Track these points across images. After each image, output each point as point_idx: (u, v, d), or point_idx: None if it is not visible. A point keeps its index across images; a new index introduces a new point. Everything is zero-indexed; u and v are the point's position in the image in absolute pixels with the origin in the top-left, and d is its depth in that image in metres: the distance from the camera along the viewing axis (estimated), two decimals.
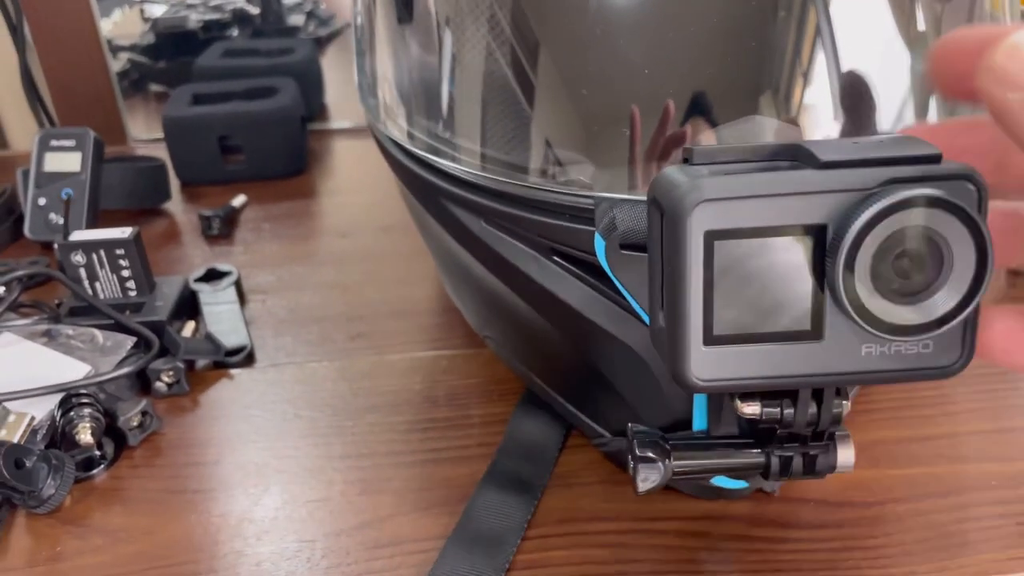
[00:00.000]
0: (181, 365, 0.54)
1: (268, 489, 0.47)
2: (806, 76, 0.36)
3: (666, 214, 0.25)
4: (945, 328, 0.24)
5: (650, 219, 0.27)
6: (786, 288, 0.25)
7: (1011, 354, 0.25)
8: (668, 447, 0.33)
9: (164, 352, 0.56)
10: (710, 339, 0.25)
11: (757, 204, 0.24)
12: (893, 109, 0.38)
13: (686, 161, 0.26)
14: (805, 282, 0.24)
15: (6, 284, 0.62)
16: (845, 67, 0.36)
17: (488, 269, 0.43)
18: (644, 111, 0.36)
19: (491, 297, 0.46)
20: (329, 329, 0.61)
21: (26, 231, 0.73)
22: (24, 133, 1.01)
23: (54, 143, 0.73)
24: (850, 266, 0.23)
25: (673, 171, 0.25)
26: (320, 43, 1.04)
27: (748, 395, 0.29)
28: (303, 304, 0.64)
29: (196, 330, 0.61)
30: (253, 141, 0.83)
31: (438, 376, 0.55)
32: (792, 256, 0.24)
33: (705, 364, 0.26)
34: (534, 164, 0.38)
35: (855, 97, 0.37)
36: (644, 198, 0.34)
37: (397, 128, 0.46)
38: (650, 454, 0.33)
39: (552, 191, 0.37)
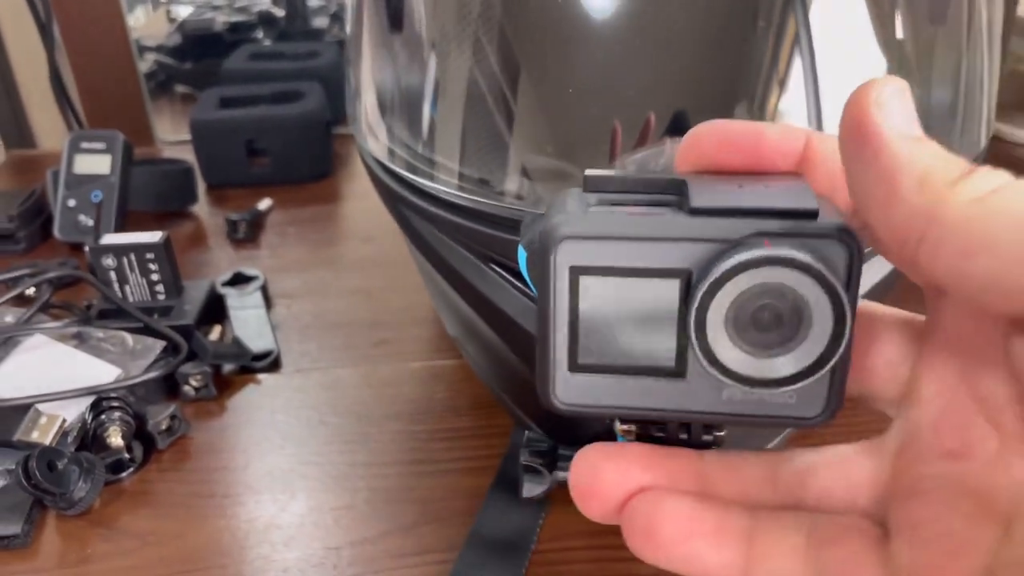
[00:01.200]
0: (209, 369, 0.55)
1: (295, 495, 0.48)
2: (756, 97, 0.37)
3: (537, 245, 0.25)
4: (797, 387, 0.24)
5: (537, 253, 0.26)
6: (652, 327, 0.25)
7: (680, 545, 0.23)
8: (555, 457, 0.33)
9: (192, 356, 0.57)
10: (575, 366, 0.26)
11: (623, 245, 0.24)
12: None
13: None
14: (671, 322, 0.25)
15: (37, 285, 0.63)
16: (820, 81, 0.37)
17: (441, 276, 0.44)
18: (580, 131, 0.38)
19: (454, 307, 0.47)
20: (353, 335, 0.62)
21: (55, 232, 0.74)
22: (51, 132, 1.02)
23: (84, 145, 0.74)
24: (702, 315, 0.23)
25: (567, 195, 0.26)
26: (342, 46, 1.05)
27: (627, 419, 0.29)
28: (328, 309, 0.65)
29: (222, 334, 0.61)
30: (279, 145, 0.84)
31: (460, 385, 0.56)
32: (659, 297, 0.24)
33: (569, 389, 0.26)
34: (473, 175, 0.40)
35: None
36: None
37: (365, 133, 0.48)
38: (536, 464, 0.33)
39: (487, 203, 0.39)
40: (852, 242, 0.23)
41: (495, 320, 0.42)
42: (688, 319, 0.24)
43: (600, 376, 0.26)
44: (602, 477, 0.23)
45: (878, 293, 0.41)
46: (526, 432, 0.35)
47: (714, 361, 0.24)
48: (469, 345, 0.52)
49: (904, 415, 0.23)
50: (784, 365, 0.24)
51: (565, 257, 0.25)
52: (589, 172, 0.26)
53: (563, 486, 0.33)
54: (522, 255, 0.36)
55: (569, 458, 0.34)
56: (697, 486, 0.24)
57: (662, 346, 0.25)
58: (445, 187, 0.41)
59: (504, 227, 0.39)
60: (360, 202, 0.83)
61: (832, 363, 0.24)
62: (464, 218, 0.40)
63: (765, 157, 0.23)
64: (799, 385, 0.24)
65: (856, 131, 0.21)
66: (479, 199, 0.39)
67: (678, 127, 0.37)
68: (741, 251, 0.23)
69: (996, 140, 0.85)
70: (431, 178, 0.42)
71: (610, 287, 0.25)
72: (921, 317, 0.24)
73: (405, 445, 0.51)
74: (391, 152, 0.45)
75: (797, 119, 0.38)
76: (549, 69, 0.39)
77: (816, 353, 0.24)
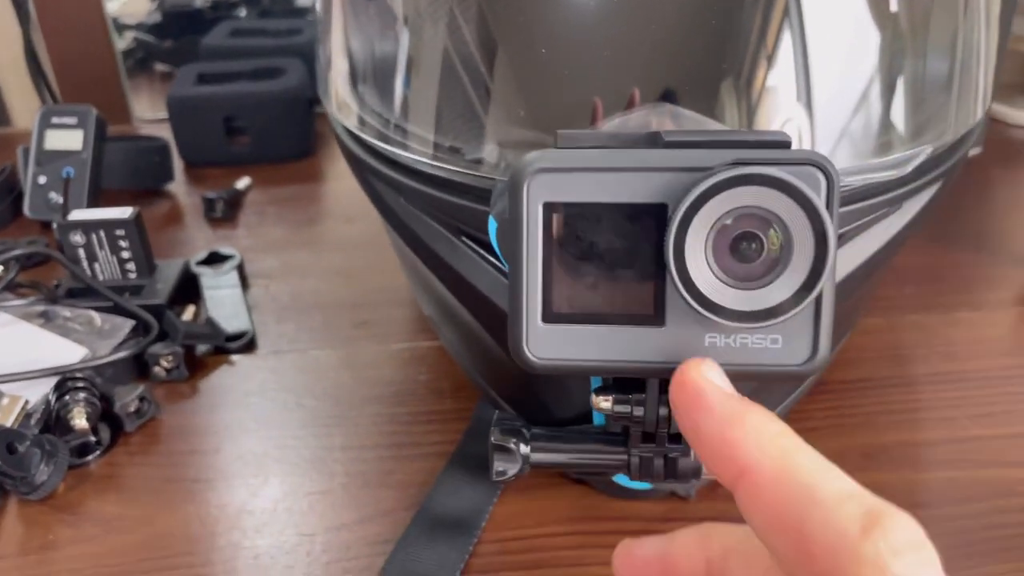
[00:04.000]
0: (180, 350, 0.53)
1: (268, 480, 0.46)
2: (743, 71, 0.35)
3: (508, 184, 0.24)
4: (781, 319, 0.23)
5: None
6: (628, 268, 0.24)
7: None
8: (528, 437, 0.32)
9: (163, 336, 0.54)
10: (549, 316, 0.25)
11: (597, 178, 0.24)
12: (854, 97, 0.37)
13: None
14: (647, 263, 0.24)
15: (3, 263, 0.60)
16: (810, 54, 0.36)
17: (412, 251, 0.42)
18: (555, 99, 0.36)
19: (427, 284, 0.45)
20: (333, 316, 0.59)
21: (25, 210, 0.71)
22: (27, 110, 0.99)
23: (55, 120, 0.72)
24: (680, 243, 0.22)
25: (535, 152, 0.25)
26: None
27: (603, 389, 0.28)
28: (307, 290, 0.63)
29: (196, 314, 0.59)
30: (259, 123, 0.82)
31: (443, 367, 0.53)
32: (633, 235, 0.24)
33: (543, 342, 0.25)
34: (445, 143, 0.38)
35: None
36: None
37: (334, 102, 0.46)
38: (508, 444, 0.32)
39: (457, 171, 0.37)
40: (829, 168, 0.23)
41: (467, 296, 0.40)
42: (666, 250, 0.22)
43: (575, 327, 0.25)
44: None
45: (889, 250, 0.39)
46: (496, 410, 0.34)
47: (694, 292, 0.23)
48: (443, 324, 0.50)
49: None
50: (767, 295, 0.23)
51: (538, 192, 0.24)
52: (561, 130, 0.25)
53: (535, 468, 0.32)
54: (492, 225, 0.34)
55: (541, 437, 0.32)
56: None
57: (639, 289, 0.24)
58: (415, 155, 0.39)
59: (475, 197, 0.37)
60: (342, 182, 0.81)
61: (816, 291, 0.23)
62: (434, 188, 0.38)
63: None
64: (782, 319, 0.23)
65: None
66: (449, 167, 0.38)
67: (663, 100, 0.35)
68: (718, 174, 0.22)
69: (993, 121, 0.83)
70: (401, 147, 0.40)
71: (584, 225, 0.24)
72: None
73: (385, 428, 0.49)
74: (361, 121, 0.43)
75: (785, 94, 0.36)
76: (525, 35, 0.37)
77: (799, 280, 0.23)
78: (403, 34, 0.40)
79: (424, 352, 0.55)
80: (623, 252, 0.24)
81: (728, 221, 0.23)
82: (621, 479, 0.37)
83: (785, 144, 0.23)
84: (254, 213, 0.75)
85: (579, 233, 0.24)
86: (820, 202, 0.22)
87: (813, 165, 0.23)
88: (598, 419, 0.36)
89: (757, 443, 0.19)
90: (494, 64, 0.37)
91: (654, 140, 0.24)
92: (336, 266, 0.66)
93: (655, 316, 0.25)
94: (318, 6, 0.49)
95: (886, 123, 0.37)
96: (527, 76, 0.37)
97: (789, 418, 0.46)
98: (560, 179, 0.24)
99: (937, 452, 0.46)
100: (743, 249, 0.23)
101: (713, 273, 0.23)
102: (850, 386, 0.50)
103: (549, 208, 0.24)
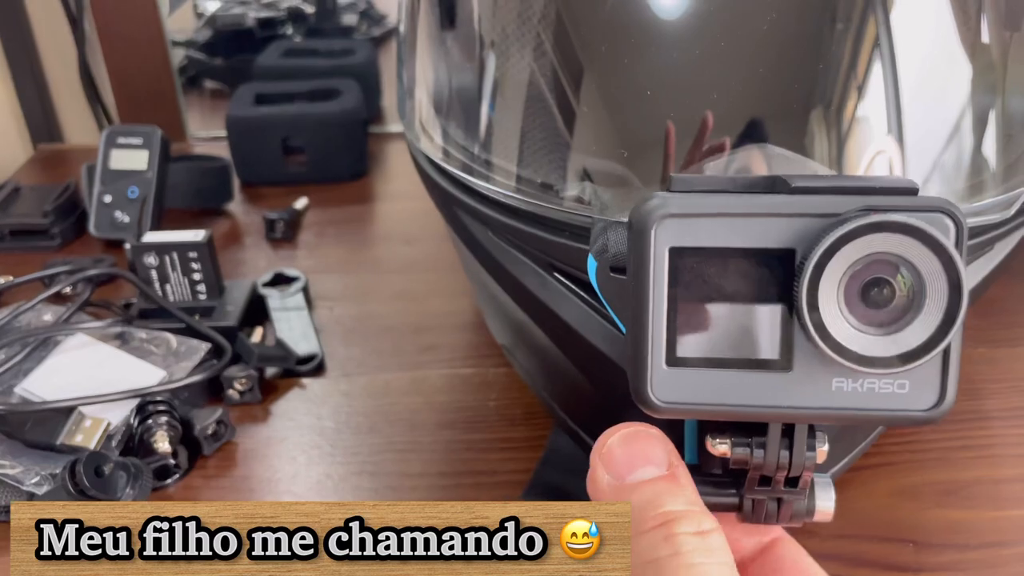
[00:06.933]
0: (255, 373, 0.53)
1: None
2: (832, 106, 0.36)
3: (633, 229, 0.25)
4: (913, 365, 0.23)
5: (628, 242, 0.26)
6: (755, 314, 0.24)
7: None
8: None
9: (236, 359, 0.55)
10: (673, 360, 0.25)
11: (725, 224, 0.24)
12: (945, 133, 0.37)
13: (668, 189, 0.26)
14: (775, 309, 0.24)
15: (75, 284, 0.61)
16: (902, 89, 0.36)
17: (496, 281, 0.43)
18: (651, 138, 0.36)
19: (505, 312, 0.45)
20: (399, 340, 0.60)
21: (91, 229, 0.72)
22: (80, 127, 1.00)
23: (121, 140, 0.73)
24: (814, 287, 0.23)
25: (652, 195, 0.25)
26: (375, 44, 1.03)
27: (719, 432, 0.27)
28: (371, 313, 0.63)
29: (264, 336, 0.60)
30: (316, 143, 0.83)
31: (513, 393, 0.54)
32: (761, 280, 0.24)
33: (667, 385, 0.25)
34: (537, 179, 0.38)
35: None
36: None
37: (416, 131, 0.46)
38: None
39: (552, 208, 0.37)
40: (958, 215, 0.23)
41: (554, 329, 0.40)
42: (797, 295, 0.23)
43: (699, 371, 0.25)
44: None
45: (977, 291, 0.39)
46: (570, 438, 0.34)
47: (827, 338, 0.23)
48: (519, 352, 0.50)
49: None
50: (900, 340, 0.23)
51: (665, 237, 0.24)
52: (675, 174, 0.25)
53: None
54: (592, 264, 0.34)
55: None
56: None
57: (766, 335, 0.24)
58: (505, 190, 0.39)
59: (569, 234, 0.37)
60: (398, 203, 0.82)
61: (948, 338, 0.23)
62: (525, 223, 0.38)
63: None
64: (914, 365, 0.23)
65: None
66: (542, 203, 0.38)
67: (752, 132, 0.35)
68: (851, 221, 0.22)
69: None
70: (489, 180, 0.40)
71: (711, 271, 0.24)
72: None
73: (460, 455, 0.49)
74: (446, 152, 0.43)
75: (876, 125, 0.36)
76: (618, 69, 0.37)
77: (933, 325, 0.23)
78: (492, 67, 0.40)
79: (493, 378, 0.55)
80: (749, 296, 0.24)
81: (859, 267, 0.23)
82: None
83: (913, 191, 0.24)
84: (313, 234, 0.75)
85: (705, 278, 0.24)
86: (953, 249, 0.22)
87: (943, 212, 0.23)
88: (689, 456, 0.36)
89: None
90: (587, 98, 0.38)
91: (775, 184, 0.25)
92: (398, 289, 0.66)
93: (782, 360, 0.25)
94: (401, 30, 0.50)
95: (983, 164, 0.38)
96: (621, 111, 0.38)
97: (867, 452, 0.46)
98: (686, 224, 0.24)
99: (1014, 489, 0.46)
100: (874, 294, 0.23)
101: (844, 319, 0.23)
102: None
103: (675, 253, 0.24)
